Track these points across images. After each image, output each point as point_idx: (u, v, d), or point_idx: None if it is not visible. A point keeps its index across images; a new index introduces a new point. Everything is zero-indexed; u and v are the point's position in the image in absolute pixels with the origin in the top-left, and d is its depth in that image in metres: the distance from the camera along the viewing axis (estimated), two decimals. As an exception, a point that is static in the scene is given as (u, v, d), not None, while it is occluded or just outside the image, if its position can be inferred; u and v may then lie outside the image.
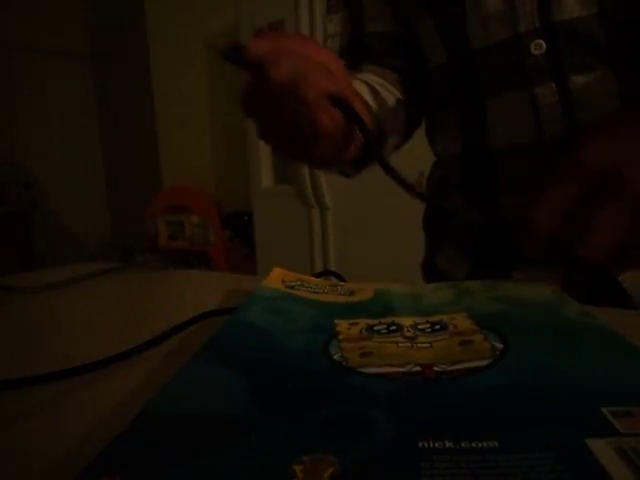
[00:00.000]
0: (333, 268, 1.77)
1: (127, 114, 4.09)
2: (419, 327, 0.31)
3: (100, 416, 0.25)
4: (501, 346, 0.27)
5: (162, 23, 3.23)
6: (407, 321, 0.32)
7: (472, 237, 0.56)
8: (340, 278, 0.49)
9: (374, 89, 0.53)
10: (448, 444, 0.18)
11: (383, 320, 0.32)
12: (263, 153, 2.27)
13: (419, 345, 0.28)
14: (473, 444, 0.18)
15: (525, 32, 0.45)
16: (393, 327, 0.31)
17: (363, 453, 0.18)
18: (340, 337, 0.30)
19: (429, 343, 0.28)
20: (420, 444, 0.18)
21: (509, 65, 0.47)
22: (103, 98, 4.31)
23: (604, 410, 0.19)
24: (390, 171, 0.41)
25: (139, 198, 3.71)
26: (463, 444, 0.18)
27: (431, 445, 0.18)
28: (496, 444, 0.18)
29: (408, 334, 0.30)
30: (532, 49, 0.45)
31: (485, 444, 0.18)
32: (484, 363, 0.25)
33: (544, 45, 0.44)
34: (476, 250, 0.56)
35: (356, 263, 1.88)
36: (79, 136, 4.25)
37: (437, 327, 0.31)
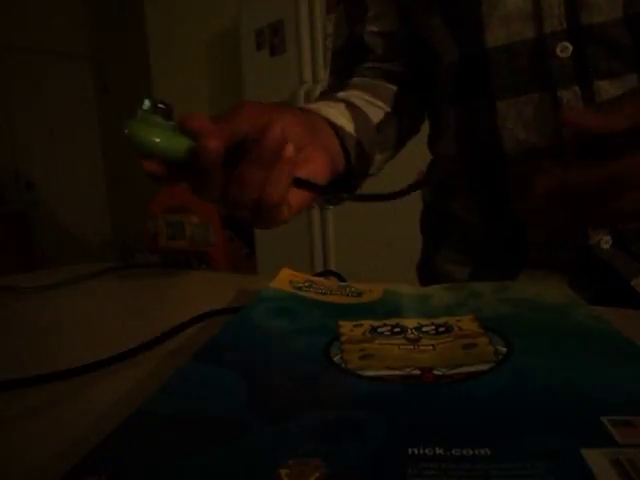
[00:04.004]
0: (333, 268, 1.77)
1: (127, 114, 4.08)
2: (423, 329, 0.31)
3: (100, 416, 0.25)
4: (505, 350, 0.27)
5: (162, 23, 3.22)
6: (411, 323, 0.32)
7: (474, 239, 0.56)
8: (340, 278, 0.49)
9: (355, 108, 0.52)
10: (438, 451, 0.18)
11: (388, 322, 0.32)
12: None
13: (421, 348, 0.28)
14: (464, 451, 0.17)
15: (551, 33, 0.44)
16: (397, 329, 0.31)
17: (351, 458, 0.18)
18: (342, 339, 0.30)
19: (432, 345, 0.28)
20: (410, 450, 0.18)
21: (530, 66, 0.45)
22: (103, 98, 4.30)
23: (604, 419, 0.19)
24: (371, 198, 0.45)
25: (139, 198, 3.71)
26: (454, 451, 0.18)
27: (421, 452, 0.18)
28: (488, 452, 0.17)
29: (411, 336, 0.30)
30: (557, 51, 0.43)
31: (476, 452, 0.17)
32: (486, 367, 0.25)
33: (570, 48, 0.43)
34: (478, 252, 0.56)
35: (356, 263, 1.88)
36: (79, 136, 4.25)
37: (441, 329, 0.31)
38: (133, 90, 3.93)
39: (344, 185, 0.51)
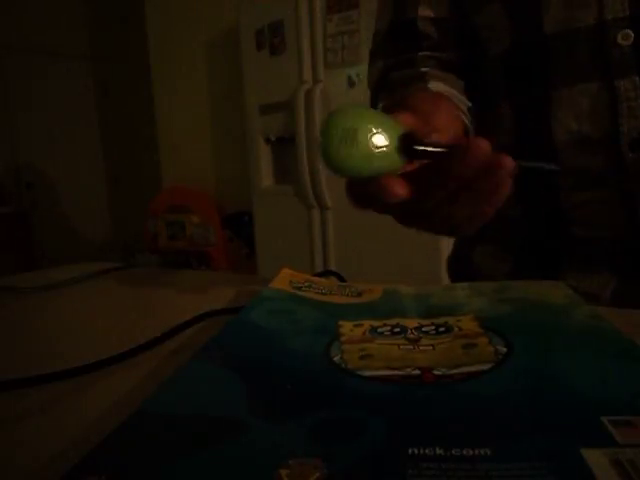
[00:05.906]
0: (333, 268, 1.76)
1: (127, 114, 4.08)
2: (423, 329, 0.31)
3: (100, 416, 0.25)
4: (505, 350, 0.27)
5: (162, 23, 3.22)
6: (412, 323, 0.32)
7: (515, 235, 0.54)
8: (340, 278, 0.49)
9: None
10: (439, 451, 0.18)
11: (388, 322, 0.32)
12: (263, 153, 2.26)
13: (421, 347, 0.28)
14: (464, 451, 0.17)
15: (612, 20, 0.42)
16: (397, 329, 0.31)
17: (351, 458, 0.18)
18: (342, 339, 0.30)
19: (432, 345, 0.28)
20: (410, 450, 0.18)
21: (588, 54, 0.44)
22: (103, 98, 4.30)
23: (604, 419, 0.19)
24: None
25: (139, 198, 3.71)
26: (454, 451, 0.18)
27: (421, 452, 0.18)
28: (488, 452, 0.17)
29: (411, 336, 0.30)
30: (619, 39, 0.42)
31: (477, 452, 0.17)
32: (486, 367, 0.25)
33: (632, 35, 0.42)
34: (519, 249, 0.53)
35: (356, 263, 1.88)
36: (79, 136, 4.24)
37: (441, 329, 0.31)
38: (133, 90, 3.93)
39: None
